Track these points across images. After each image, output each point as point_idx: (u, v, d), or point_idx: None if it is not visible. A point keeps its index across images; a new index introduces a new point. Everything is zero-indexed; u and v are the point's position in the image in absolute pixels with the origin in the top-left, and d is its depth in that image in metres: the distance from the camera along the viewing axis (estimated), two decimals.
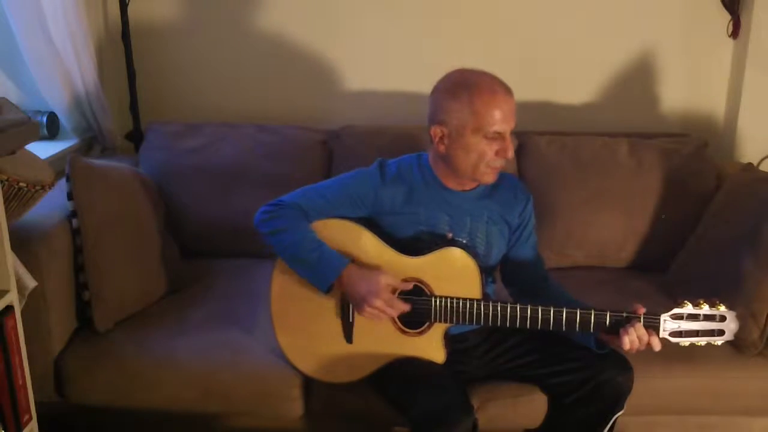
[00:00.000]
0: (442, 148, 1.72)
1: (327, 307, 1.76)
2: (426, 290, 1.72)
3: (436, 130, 1.72)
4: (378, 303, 1.66)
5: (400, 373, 1.73)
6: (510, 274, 1.91)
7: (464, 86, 1.68)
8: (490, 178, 1.74)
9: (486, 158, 1.69)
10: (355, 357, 1.77)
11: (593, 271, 2.36)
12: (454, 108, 1.68)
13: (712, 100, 2.67)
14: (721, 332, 1.61)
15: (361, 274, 1.68)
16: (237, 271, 2.28)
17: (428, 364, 1.74)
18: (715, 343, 1.63)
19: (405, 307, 1.69)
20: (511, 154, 1.70)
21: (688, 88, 2.66)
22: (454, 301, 1.69)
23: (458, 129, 1.68)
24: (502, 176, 1.85)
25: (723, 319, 1.61)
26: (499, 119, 1.66)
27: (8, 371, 1.43)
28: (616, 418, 1.72)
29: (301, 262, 1.72)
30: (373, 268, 1.70)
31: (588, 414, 1.71)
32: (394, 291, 1.71)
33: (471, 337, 1.82)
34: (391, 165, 1.83)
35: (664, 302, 2.12)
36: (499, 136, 1.68)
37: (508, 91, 1.70)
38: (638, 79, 2.66)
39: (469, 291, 1.70)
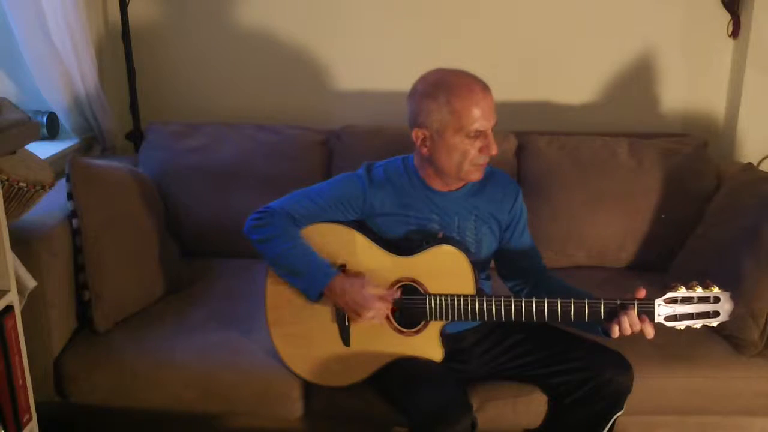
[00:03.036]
0: (425, 150, 1.73)
1: (322, 311, 1.76)
2: (420, 289, 1.73)
3: (418, 133, 1.72)
4: (370, 314, 1.68)
5: (399, 372, 1.74)
6: (508, 269, 1.90)
7: (441, 87, 1.67)
8: (476, 176, 1.73)
9: (469, 157, 1.69)
10: (354, 360, 1.77)
11: (593, 271, 2.36)
12: (432, 109, 1.68)
13: (712, 100, 2.67)
14: (716, 313, 1.61)
15: (349, 285, 1.68)
16: (237, 271, 2.28)
17: (426, 363, 1.74)
18: (711, 325, 1.62)
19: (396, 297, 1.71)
20: (494, 150, 1.69)
21: (688, 88, 2.66)
22: (449, 298, 1.70)
23: (439, 130, 1.68)
24: (490, 173, 1.85)
25: (717, 300, 1.61)
26: (479, 117, 1.65)
27: (8, 371, 1.43)
28: (616, 418, 1.72)
29: (290, 271, 1.73)
30: (361, 278, 1.70)
31: (588, 414, 1.71)
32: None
33: (468, 335, 1.82)
34: (378, 168, 1.83)
35: None
36: (480, 134, 1.68)
37: (485, 88, 1.69)
38: (638, 79, 2.66)
39: (462, 287, 1.71)
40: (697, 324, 1.62)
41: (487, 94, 1.68)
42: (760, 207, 2.02)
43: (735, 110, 2.58)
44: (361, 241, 1.75)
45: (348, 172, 1.84)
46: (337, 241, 1.76)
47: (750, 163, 2.41)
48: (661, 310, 1.61)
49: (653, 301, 1.61)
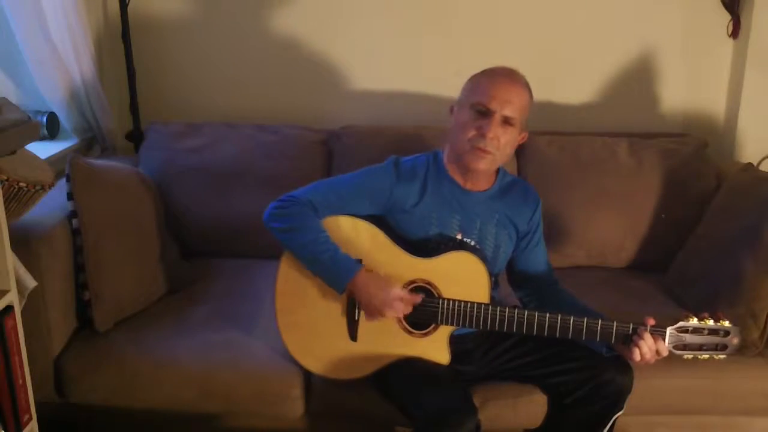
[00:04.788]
0: (450, 126, 1.80)
1: (332, 303, 1.76)
2: (434, 292, 1.72)
3: (451, 109, 1.80)
4: (391, 314, 1.68)
5: (404, 373, 1.73)
6: (520, 279, 1.90)
7: (483, 71, 1.77)
8: (473, 159, 1.72)
9: (467, 130, 1.71)
10: (359, 355, 1.77)
11: (593, 270, 2.36)
12: (465, 87, 1.78)
13: (712, 100, 2.67)
14: (723, 347, 1.63)
15: (374, 282, 1.68)
16: (237, 271, 2.28)
17: (432, 365, 1.74)
18: (717, 357, 1.64)
19: (411, 307, 1.70)
20: (489, 133, 1.68)
21: (688, 88, 2.66)
22: (462, 304, 1.69)
23: (460, 103, 1.77)
24: (514, 181, 1.87)
25: (726, 334, 1.63)
26: (491, 95, 1.69)
27: (8, 371, 1.43)
28: (616, 418, 1.72)
29: (314, 263, 1.71)
30: (385, 277, 1.70)
31: (588, 414, 1.71)
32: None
33: (471, 338, 1.82)
34: (405, 162, 1.83)
35: (665, 302, 2.13)
36: (483, 114, 1.70)
37: (517, 82, 1.74)
38: (638, 79, 2.66)
39: (477, 295, 1.70)
40: (704, 355, 1.64)
41: (513, 86, 1.72)
42: (760, 207, 2.02)
43: (735, 110, 2.58)
44: (380, 238, 1.75)
45: (375, 165, 1.82)
46: (356, 236, 1.75)
47: (750, 163, 2.41)
48: (671, 338, 1.63)
49: (665, 329, 1.62)
